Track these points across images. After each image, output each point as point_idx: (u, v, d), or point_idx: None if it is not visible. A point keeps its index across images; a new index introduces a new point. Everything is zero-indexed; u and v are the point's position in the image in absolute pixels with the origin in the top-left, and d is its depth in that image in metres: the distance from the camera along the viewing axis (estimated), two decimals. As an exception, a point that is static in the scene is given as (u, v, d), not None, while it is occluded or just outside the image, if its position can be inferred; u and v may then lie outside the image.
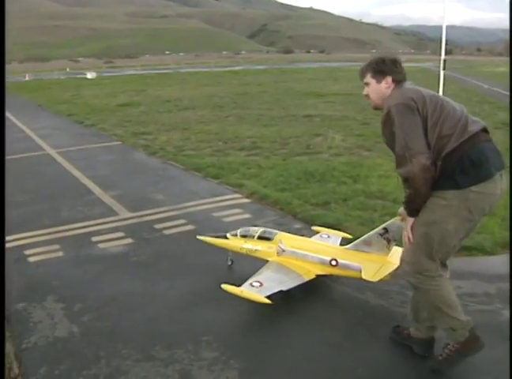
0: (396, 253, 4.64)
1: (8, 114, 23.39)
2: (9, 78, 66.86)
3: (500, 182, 3.62)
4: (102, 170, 10.70)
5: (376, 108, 4.01)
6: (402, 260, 3.98)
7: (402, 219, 4.11)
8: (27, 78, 63.23)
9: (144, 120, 18.59)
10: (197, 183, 9.27)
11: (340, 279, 5.19)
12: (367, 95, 4.05)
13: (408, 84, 3.88)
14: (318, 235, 5.88)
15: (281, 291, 4.72)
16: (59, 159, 12.33)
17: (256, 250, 5.42)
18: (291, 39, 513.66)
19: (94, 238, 6.79)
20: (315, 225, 6.31)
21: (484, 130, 3.69)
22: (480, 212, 3.68)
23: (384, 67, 3.90)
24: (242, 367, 3.96)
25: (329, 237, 5.82)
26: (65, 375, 3.99)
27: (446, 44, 15.49)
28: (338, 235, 5.88)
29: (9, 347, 4.29)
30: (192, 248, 6.32)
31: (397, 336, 4.29)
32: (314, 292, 5.04)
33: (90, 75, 60.50)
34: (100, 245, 6.57)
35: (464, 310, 3.88)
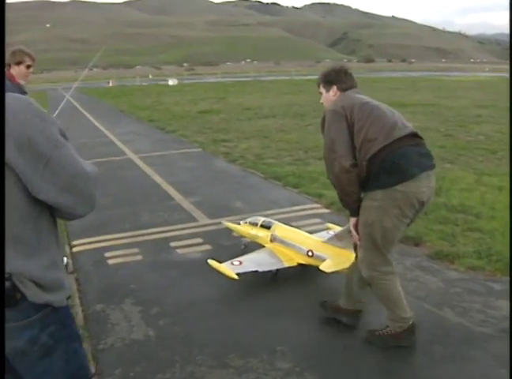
0: None
1: (91, 119, 24.07)
2: (94, 84, 68.90)
3: (427, 181, 3.99)
4: (182, 177, 10.83)
5: None
6: (357, 259, 4.39)
7: None
8: (110, 84, 65.04)
9: (225, 127, 18.73)
10: (276, 192, 9.25)
11: (417, 293, 5.13)
12: (322, 103, 4.58)
13: (351, 92, 4.38)
14: (324, 231, 6.28)
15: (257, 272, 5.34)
16: (141, 164, 12.56)
17: (257, 236, 6.11)
18: (372, 47, 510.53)
19: (173, 244, 6.86)
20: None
21: (413, 135, 4.11)
22: (410, 208, 4.00)
23: (330, 77, 4.47)
24: (316, 380, 3.90)
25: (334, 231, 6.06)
26: (140, 377, 4.03)
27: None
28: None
29: (86, 347, 4.39)
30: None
31: (327, 311, 4.73)
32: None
33: (172, 82, 61.66)
34: (179, 251, 6.63)
35: None
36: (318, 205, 8.35)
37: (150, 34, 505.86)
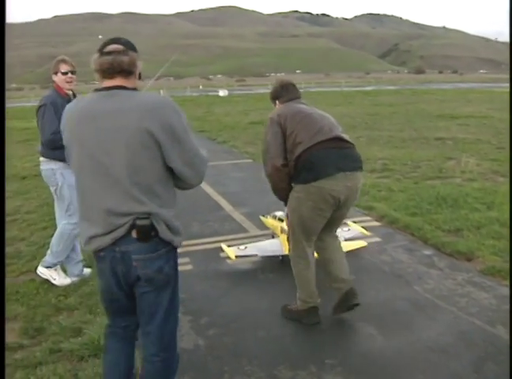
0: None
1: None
2: (146, 94, 69.55)
3: (344, 180, 4.59)
4: (233, 187, 10.91)
5: None
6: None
7: None
8: (162, 94, 65.67)
9: (275, 139, 18.66)
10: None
11: (469, 309, 5.09)
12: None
13: (291, 103, 5.02)
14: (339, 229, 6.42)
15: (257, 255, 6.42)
16: (191, 174, 12.63)
17: (276, 227, 6.80)
18: (423, 58, 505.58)
19: (223, 254, 6.89)
20: (446, 251, 6.60)
21: (339, 139, 4.71)
22: (323, 202, 4.63)
23: (274, 93, 5.24)
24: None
25: (349, 230, 7.07)
26: (189, 387, 4.04)
27: None
28: (357, 230, 7.13)
29: (136, 354, 4.45)
30: (317, 269, 6.31)
31: (287, 314, 5.12)
32: (441, 322, 4.91)
33: (222, 93, 61.97)
34: (229, 261, 6.66)
35: None
36: (369, 218, 8.33)
37: (201, 45, 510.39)
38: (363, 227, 7.27)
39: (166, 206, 3.05)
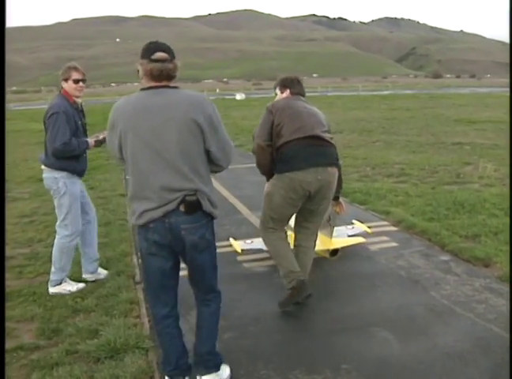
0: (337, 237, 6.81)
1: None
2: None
3: (314, 174, 5.11)
4: (249, 191, 10.91)
5: None
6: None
7: (336, 209, 6.27)
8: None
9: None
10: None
11: (486, 316, 5.05)
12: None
13: (291, 98, 5.54)
14: (343, 226, 7.45)
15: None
16: (208, 177, 12.64)
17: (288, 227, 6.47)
18: (440, 63, 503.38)
19: (239, 257, 6.91)
20: (464, 257, 6.63)
21: (317, 138, 5.21)
22: (293, 192, 5.18)
23: (279, 81, 5.74)
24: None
25: (353, 228, 7.47)
26: (205, 390, 4.05)
27: None
28: (361, 228, 7.44)
29: (151, 356, 4.49)
30: (333, 273, 6.31)
31: (283, 304, 5.37)
32: (458, 328, 4.88)
33: (239, 96, 62.10)
34: (245, 265, 6.68)
35: None
36: (386, 223, 8.29)
37: (218, 48, 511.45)
38: (375, 230, 7.24)
39: (207, 184, 3.72)
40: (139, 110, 3.58)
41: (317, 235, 5.77)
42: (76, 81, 5.80)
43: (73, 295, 5.81)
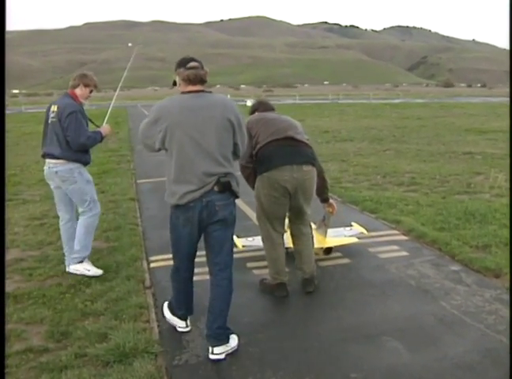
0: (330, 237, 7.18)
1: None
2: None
3: (290, 171, 5.51)
4: (259, 197, 10.86)
5: None
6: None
7: (329, 209, 6.77)
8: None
9: (302, 149, 18.63)
10: (353, 216, 9.11)
11: (496, 327, 4.99)
12: None
13: (263, 113, 6.05)
14: (342, 228, 7.88)
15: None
16: (218, 183, 12.65)
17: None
18: (452, 72, 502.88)
19: (249, 264, 6.91)
20: (474, 268, 6.56)
21: (290, 139, 5.64)
22: (273, 190, 5.58)
23: (252, 107, 6.28)
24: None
25: (351, 229, 7.87)
26: (213, 396, 4.04)
27: None
28: (358, 229, 7.84)
29: (160, 362, 4.49)
30: (345, 282, 6.28)
31: (262, 287, 6.07)
32: (468, 339, 4.84)
33: (250, 103, 61.99)
34: (255, 272, 6.66)
35: None
36: (396, 232, 8.24)
37: (229, 54, 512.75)
38: (386, 239, 7.21)
39: (234, 169, 4.56)
40: (184, 110, 4.37)
41: (311, 230, 6.22)
42: (91, 91, 6.49)
43: (82, 298, 5.82)
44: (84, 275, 6.42)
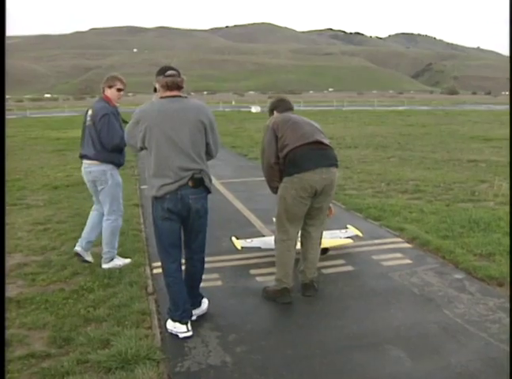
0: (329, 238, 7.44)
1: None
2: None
3: (320, 173, 5.73)
4: (263, 204, 10.82)
5: None
6: None
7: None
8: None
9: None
10: (357, 224, 9.02)
11: (500, 336, 4.95)
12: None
13: (285, 113, 6.17)
14: (337, 230, 8.06)
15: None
16: (222, 189, 12.74)
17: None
18: (457, 79, 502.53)
19: (252, 271, 6.90)
20: (478, 276, 6.53)
21: (319, 143, 5.86)
22: (303, 191, 5.73)
23: (272, 105, 6.44)
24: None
25: (346, 231, 8.07)
26: (215, 403, 4.02)
27: None
28: (353, 231, 8.06)
29: (162, 368, 4.47)
30: (349, 290, 6.26)
31: (265, 294, 6.09)
32: (471, 348, 4.82)
33: (254, 109, 62.20)
34: (258, 278, 6.65)
35: None
36: (400, 240, 8.22)
37: (234, 61, 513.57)
38: (389, 247, 7.18)
39: (207, 166, 5.09)
40: (162, 113, 4.88)
41: (322, 232, 6.34)
42: (119, 90, 6.83)
43: (85, 304, 5.81)
44: (89, 281, 6.47)
